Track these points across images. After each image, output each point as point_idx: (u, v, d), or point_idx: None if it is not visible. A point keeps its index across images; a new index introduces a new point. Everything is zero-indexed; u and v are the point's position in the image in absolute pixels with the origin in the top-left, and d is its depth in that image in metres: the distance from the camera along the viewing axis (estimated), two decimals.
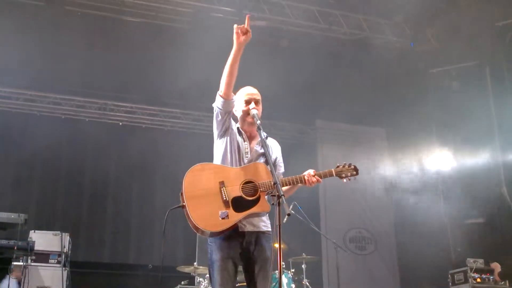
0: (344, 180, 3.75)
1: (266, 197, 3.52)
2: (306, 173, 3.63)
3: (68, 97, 10.24)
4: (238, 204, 3.44)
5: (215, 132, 3.77)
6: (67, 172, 10.18)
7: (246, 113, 3.73)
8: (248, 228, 3.55)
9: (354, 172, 3.76)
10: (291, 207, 6.54)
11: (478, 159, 9.44)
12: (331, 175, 3.72)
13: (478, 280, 8.20)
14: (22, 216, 6.98)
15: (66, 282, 7.25)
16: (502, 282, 8.17)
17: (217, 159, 3.73)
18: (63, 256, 7.34)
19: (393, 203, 11.28)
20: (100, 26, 9.14)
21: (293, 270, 7.36)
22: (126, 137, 10.42)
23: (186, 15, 9.32)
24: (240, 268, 3.60)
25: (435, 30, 10.11)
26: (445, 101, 10.10)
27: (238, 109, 3.79)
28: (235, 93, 3.73)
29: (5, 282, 6.61)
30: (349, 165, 3.77)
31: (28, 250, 6.78)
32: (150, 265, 9.33)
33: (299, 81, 9.46)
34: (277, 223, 3.12)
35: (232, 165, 3.64)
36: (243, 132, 3.78)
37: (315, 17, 9.59)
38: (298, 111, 10.80)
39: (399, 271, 11.03)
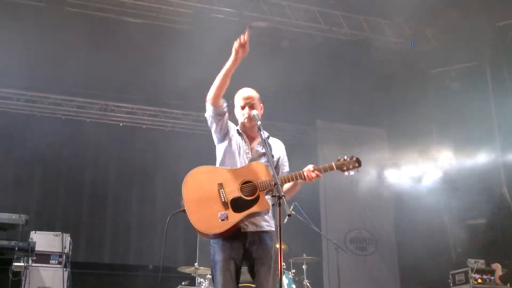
0: (346, 173, 3.63)
1: (267, 196, 3.51)
2: (305, 169, 3.58)
3: (69, 98, 10.24)
4: (237, 204, 3.45)
5: (215, 139, 3.81)
6: (67, 172, 10.19)
7: (244, 118, 3.74)
8: (251, 228, 3.56)
9: (357, 164, 3.62)
10: (291, 207, 6.54)
11: (479, 159, 9.44)
12: (331, 169, 3.61)
13: (479, 280, 8.19)
14: (23, 217, 7.00)
15: (67, 282, 7.26)
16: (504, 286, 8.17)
17: (219, 161, 3.75)
18: (64, 257, 7.35)
19: (394, 204, 11.27)
20: (101, 27, 9.14)
21: (293, 271, 7.36)
22: (126, 137, 10.44)
23: (187, 16, 9.32)
24: (243, 269, 3.60)
25: (435, 31, 10.11)
26: (445, 102, 10.10)
27: (236, 113, 3.81)
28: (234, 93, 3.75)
29: None
30: (351, 158, 3.63)
31: (29, 251, 6.79)
32: (150, 265, 9.35)
33: (299, 82, 9.46)
34: (278, 224, 3.11)
35: (233, 166, 3.65)
36: (243, 133, 3.79)
37: (316, 18, 9.59)
38: (299, 111, 10.79)
39: (399, 271, 11.02)
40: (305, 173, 3.56)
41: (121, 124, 10.65)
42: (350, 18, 9.79)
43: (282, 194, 3.14)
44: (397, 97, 10.24)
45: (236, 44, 3.51)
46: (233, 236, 3.49)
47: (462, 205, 9.56)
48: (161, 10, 9.23)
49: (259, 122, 3.58)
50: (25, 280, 6.88)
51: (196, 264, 7.47)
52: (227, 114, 3.73)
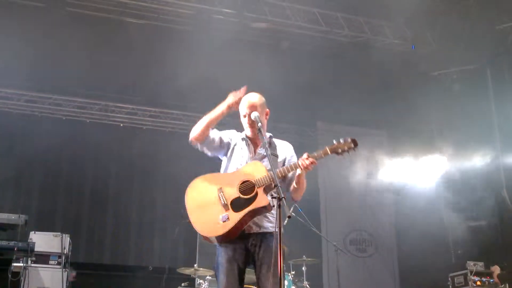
0: (343, 155, 3.56)
1: (268, 196, 3.50)
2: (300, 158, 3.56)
3: (69, 98, 10.25)
4: (237, 204, 3.47)
5: (220, 157, 3.85)
6: (67, 173, 10.19)
7: (246, 127, 3.75)
8: (254, 229, 3.57)
9: (352, 145, 3.53)
10: (291, 209, 6.53)
11: (479, 161, 9.43)
12: (326, 154, 3.56)
13: (478, 283, 8.20)
14: (23, 217, 6.99)
15: (66, 283, 7.25)
16: (502, 285, 8.16)
17: (223, 169, 3.81)
18: (63, 257, 7.34)
19: (394, 206, 11.26)
20: (102, 27, 9.14)
21: (293, 273, 7.36)
22: (127, 138, 10.43)
23: (187, 17, 9.32)
24: (247, 270, 3.61)
25: (436, 33, 10.10)
26: (446, 104, 10.09)
27: (241, 120, 3.80)
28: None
29: None
30: (345, 139, 3.56)
31: (28, 251, 6.77)
32: (150, 266, 9.34)
33: (300, 83, 9.46)
34: (278, 226, 3.12)
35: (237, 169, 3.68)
36: (246, 138, 3.80)
37: (316, 19, 9.58)
38: (299, 113, 10.79)
39: (399, 273, 11.01)
40: (299, 162, 3.54)
41: (121, 125, 10.66)
42: (350, 19, 9.78)
43: (282, 195, 3.14)
44: (397, 99, 10.22)
45: (231, 99, 3.58)
46: (237, 238, 3.50)
47: (462, 207, 9.56)
48: (162, 11, 9.22)
49: (259, 124, 3.58)
50: (24, 281, 6.86)
51: (195, 265, 7.46)
52: (217, 138, 3.72)
